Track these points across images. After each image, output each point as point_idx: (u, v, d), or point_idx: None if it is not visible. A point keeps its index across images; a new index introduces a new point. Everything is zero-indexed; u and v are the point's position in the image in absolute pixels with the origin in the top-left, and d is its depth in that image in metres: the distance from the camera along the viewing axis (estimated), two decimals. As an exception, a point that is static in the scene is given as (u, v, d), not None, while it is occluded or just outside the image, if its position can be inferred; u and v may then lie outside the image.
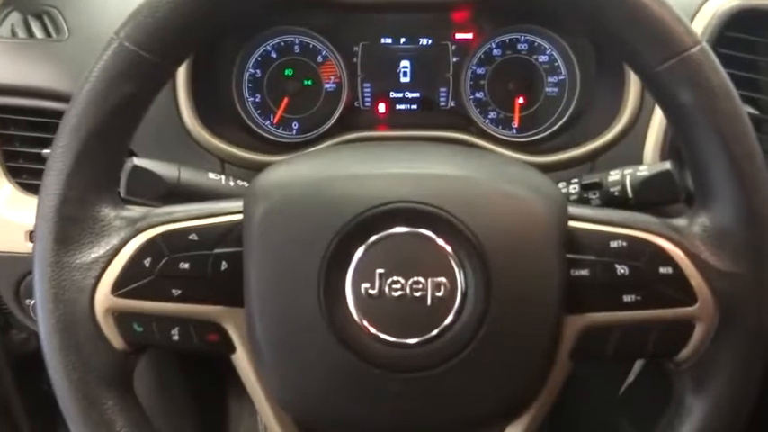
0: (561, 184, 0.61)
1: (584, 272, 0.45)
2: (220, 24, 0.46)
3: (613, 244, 0.45)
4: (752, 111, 0.65)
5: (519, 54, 0.79)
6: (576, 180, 0.61)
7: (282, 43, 0.79)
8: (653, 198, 0.56)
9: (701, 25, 0.66)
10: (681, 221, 0.46)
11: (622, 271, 0.45)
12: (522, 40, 0.79)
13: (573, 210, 0.46)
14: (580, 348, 0.45)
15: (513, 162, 0.52)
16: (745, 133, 0.44)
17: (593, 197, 0.59)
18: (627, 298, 0.45)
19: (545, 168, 0.71)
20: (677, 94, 0.44)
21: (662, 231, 0.45)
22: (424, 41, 0.79)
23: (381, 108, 0.80)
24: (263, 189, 0.46)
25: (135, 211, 0.47)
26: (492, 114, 0.80)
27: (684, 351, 0.45)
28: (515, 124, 0.80)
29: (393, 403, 0.43)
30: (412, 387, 0.43)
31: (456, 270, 0.43)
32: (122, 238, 0.45)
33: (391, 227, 0.43)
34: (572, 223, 0.46)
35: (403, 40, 0.79)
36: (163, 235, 0.45)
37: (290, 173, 0.47)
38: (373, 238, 0.43)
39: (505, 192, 0.45)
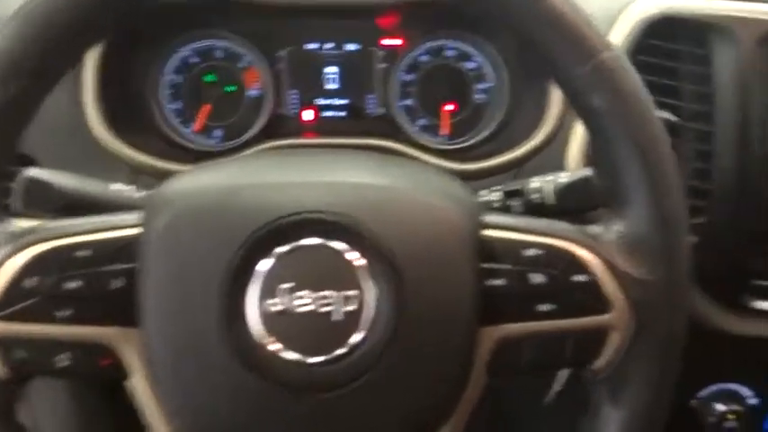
0: (484, 192, 0.60)
1: (499, 281, 0.44)
2: (97, 32, 0.43)
3: (528, 252, 0.44)
4: (672, 118, 0.66)
5: (447, 61, 0.78)
6: (499, 187, 0.60)
7: (204, 47, 0.76)
8: (573, 205, 0.55)
9: (622, 32, 0.66)
10: (597, 228, 0.46)
11: (537, 280, 0.44)
12: (450, 46, 0.78)
13: (488, 218, 0.45)
14: (496, 361, 0.44)
15: (428, 170, 0.50)
16: (656, 139, 0.44)
17: (515, 204, 0.58)
18: (542, 307, 0.44)
19: (472, 176, 0.71)
20: (590, 99, 0.43)
21: (577, 238, 0.44)
22: (350, 47, 0.78)
23: (308, 115, 0.78)
24: (165, 199, 0.43)
25: (22, 225, 0.43)
26: (421, 121, 0.79)
27: (600, 360, 0.44)
28: (445, 132, 0.79)
29: (300, 426, 0.41)
30: (320, 408, 0.40)
31: (366, 283, 0.41)
32: (4, 255, 0.41)
33: (299, 238, 0.41)
34: (487, 232, 0.44)
35: (329, 45, 0.77)
36: (51, 251, 0.42)
37: (194, 182, 0.44)
38: (280, 251, 0.41)
39: (418, 200, 0.43)
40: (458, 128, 0.78)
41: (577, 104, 0.45)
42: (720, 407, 0.74)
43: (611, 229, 0.45)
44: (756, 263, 0.66)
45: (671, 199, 0.44)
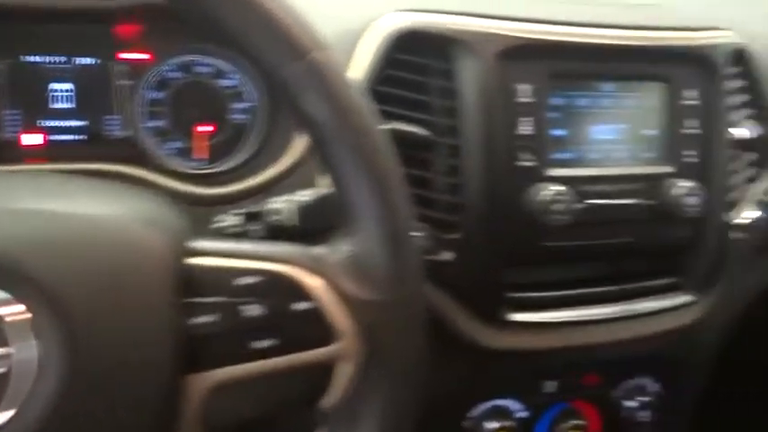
0: (223, 217, 0.54)
1: (208, 318, 0.37)
2: None
3: (242, 281, 0.38)
4: (422, 132, 0.65)
5: (200, 78, 0.71)
6: (241, 211, 0.54)
7: None
8: (317, 225, 0.51)
9: (368, 48, 0.64)
10: (322, 249, 0.41)
11: (253, 312, 0.38)
12: (204, 62, 0.72)
13: (194, 244, 0.39)
14: (211, 411, 0.37)
15: (135, 196, 0.43)
16: (379, 151, 0.41)
17: (255, 229, 0.52)
18: (260, 344, 0.38)
19: (220, 201, 0.64)
20: (304, 104, 0.39)
21: (298, 261, 0.40)
22: (84, 61, 0.68)
23: (33, 139, 0.67)
24: None
25: None
26: (173, 144, 0.71)
27: (330, 395, 0.40)
28: (201, 155, 0.71)
29: None
30: None
31: (22, 342, 0.32)
32: None
33: None
34: (192, 260, 0.38)
35: (59, 58, 0.67)
36: None
37: None
38: None
39: (107, 231, 0.36)
40: (216, 150, 0.72)
41: (294, 111, 0.41)
42: (491, 424, 0.74)
43: (338, 249, 0.41)
44: (510, 275, 0.67)
45: (398, 215, 0.41)
